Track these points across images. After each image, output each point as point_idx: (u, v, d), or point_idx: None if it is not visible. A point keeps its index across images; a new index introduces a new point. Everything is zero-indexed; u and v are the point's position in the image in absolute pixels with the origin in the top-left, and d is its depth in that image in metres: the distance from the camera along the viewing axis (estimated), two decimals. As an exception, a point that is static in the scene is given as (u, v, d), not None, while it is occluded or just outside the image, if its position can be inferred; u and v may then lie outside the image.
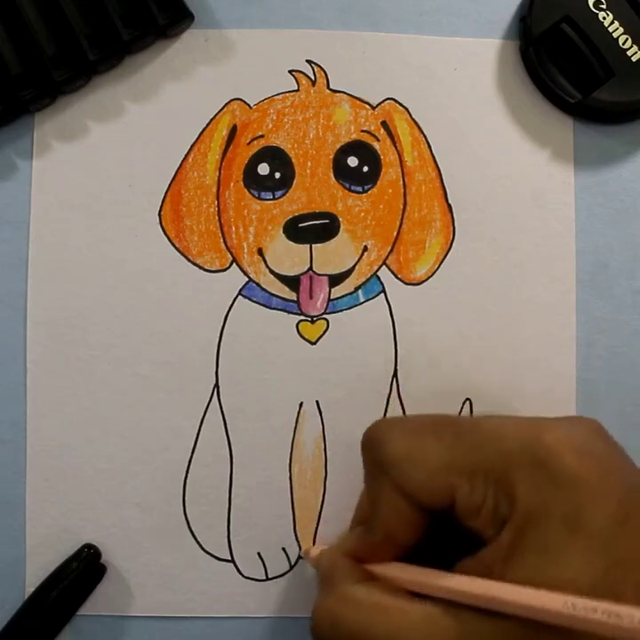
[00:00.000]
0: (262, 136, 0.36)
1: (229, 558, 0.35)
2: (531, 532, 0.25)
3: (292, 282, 0.36)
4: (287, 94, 0.36)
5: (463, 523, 0.27)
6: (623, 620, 0.22)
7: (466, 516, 0.27)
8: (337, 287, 0.36)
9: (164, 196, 0.36)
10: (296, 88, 0.36)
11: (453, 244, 0.36)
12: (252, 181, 0.36)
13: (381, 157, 0.36)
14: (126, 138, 0.36)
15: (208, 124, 0.36)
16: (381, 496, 0.28)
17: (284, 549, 0.35)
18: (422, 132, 0.36)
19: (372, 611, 0.27)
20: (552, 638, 0.24)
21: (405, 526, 0.28)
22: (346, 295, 0.36)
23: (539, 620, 0.24)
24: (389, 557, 0.29)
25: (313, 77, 0.36)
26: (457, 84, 0.37)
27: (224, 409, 0.35)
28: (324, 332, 0.36)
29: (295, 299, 0.36)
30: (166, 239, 0.36)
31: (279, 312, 0.36)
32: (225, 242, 0.36)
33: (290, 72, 0.36)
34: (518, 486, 0.25)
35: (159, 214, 0.36)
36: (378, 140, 0.36)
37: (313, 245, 0.36)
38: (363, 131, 0.36)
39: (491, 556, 0.26)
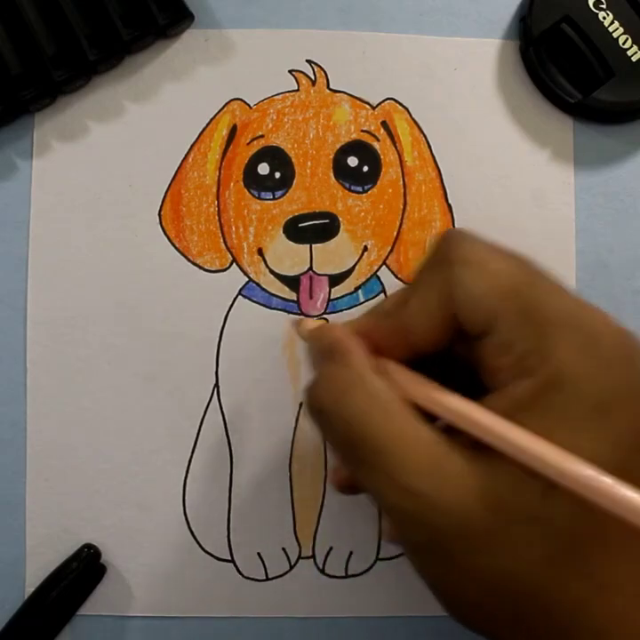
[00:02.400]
0: (262, 136, 0.36)
1: (229, 558, 0.35)
2: (555, 397, 0.24)
3: (292, 282, 0.36)
4: (287, 94, 0.36)
5: (484, 359, 0.25)
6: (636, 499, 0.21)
7: (493, 350, 0.25)
8: (337, 287, 0.36)
9: (164, 196, 0.36)
10: (296, 88, 0.36)
11: (453, 244, 0.36)
12: (252, 181, 0.36)
13: (381, 157, 0.36)
14: (126, 138, 0.36)
15: (208, 124, 0.36)
16: (422, 291, 0.27)
17: (284, 549, 0.35)
18: (422, 131, 0.36)
19: (382, 409, 0.25)
20: (553, 501, 0.23)
21: (428, 328, 0.26)
22: (346, 295, 0.36)
23: (550, 478, 0.23)
24: (396, 354, 0.27)
25: (313, 77, 0.36)
26: (457, 84, 0.37)
27: (224, 409, 0.35)
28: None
29: (295, 299, 0.36)
30: (166, 239, 0.36)
31: (279, 312, 0.36)
32: (225, 242, 0.36)
33: (290, 72, 0.36)
34: (560, 347, 0.24)
35: (159, 214, 0.36)
36: (378, 139, 0.36)
37: (313, 245, 0.36)
38: (363, 131, 0.36)
39: (501, 402, 0.24)
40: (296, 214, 0.36)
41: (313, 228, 0.36)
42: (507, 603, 0.24)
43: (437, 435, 0.25)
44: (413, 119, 0.37)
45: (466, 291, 0.26)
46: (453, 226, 0.36)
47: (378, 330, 0.28)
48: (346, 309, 0.36)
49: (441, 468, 0.24)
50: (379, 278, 0.36)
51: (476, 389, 0.26)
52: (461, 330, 0.26)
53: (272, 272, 0.36)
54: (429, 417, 0.26)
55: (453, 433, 0.25)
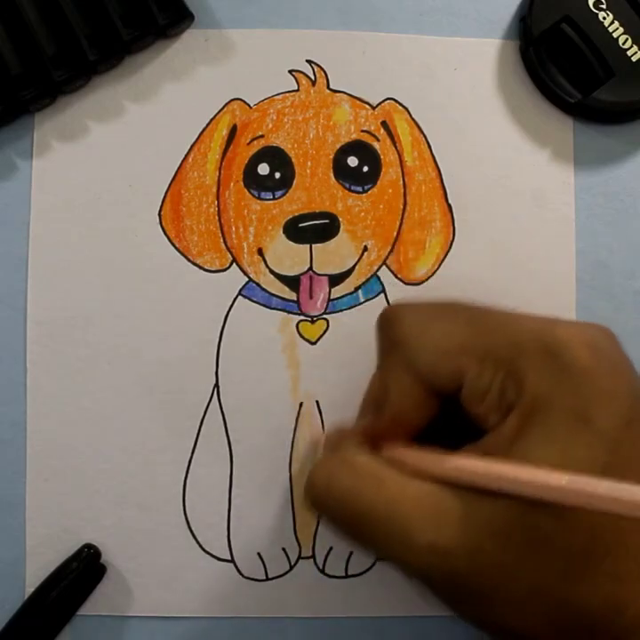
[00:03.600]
0: (262, 136, 0.36)
1: (229, 558, 0.35)
2: (536, 421, 0.24)
3: (292, 282, 0.36)
4: (287, 94, 0.36)
5: (469, 409, 0.27)
6: (627, 493, 0.22)
7: (472, 400, 0.26)
8: (337, 287, 0.36)
9: (164, 196, 0.36)
10: (296, 88, 0.36)
11: (453, 244, 0.36)
12: (252, 181, 0.36)
13: (381, 157, 0.36)
14: (126, 138, 0.36)
15: (208, 124, 0.36)
16: (392, 375, 0.28)
17: (284, 549, 0.35)
18: (422, 132, 0.36)
19: (368, 478, 0.27)
20: (551, 519, 0.24)
21: (414, 407, 0.28)
22: (346, 295, 0.36)
23: (539, 498, 0.23)
24: (401, 437, 0.28)
25: (313, 77, 0.36)
26: (457, 84, 0.37)
27: (224, 409, 0.35)
28: (324, 332, 0.36)
29: (295, 299, 0.36)
30: (166, 239, 0.36)
31: (279, 312, 0.36)
32: (225, 242, 0.36)
33: (290, 72, 0.36)
34: (527, 374, 0.25)
35: (159, 214, 0.36)
36: (378, 139, 0.36)
37: (313, 245, 0.36)
38: (363, 131, 0.36)
39: (493, 442, 0.25)
40: (296, 214, 0.36)
41: (313, 228, 0.36)
42: (542, 618, 0.25)
43: (432, 486, 0.26)
44: (413, 119, 0.37)
45: (422, 364, 0.27)
46: (453, 226, 0.36)
47: (374, 426, 0.29)
48: (346, 309, 0.36)
49: (443, 516, 0.25)
50: (379, 278, 0.36)
51: (476, 428, 0.27)
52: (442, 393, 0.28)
53: (272, 272, 0.36)
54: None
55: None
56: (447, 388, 0.27)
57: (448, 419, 0.28)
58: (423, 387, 0.28)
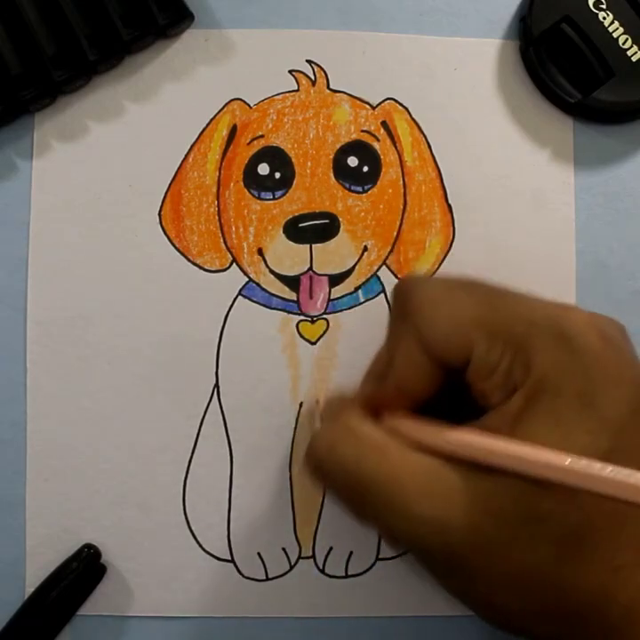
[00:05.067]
0: (262, 136, 0.36)
1: (229, 558, 0.35)
2: (542, 402, 0.25)
3: (292, 282, 0.36)
4: (287, 94, 0.36)
5: (474, 384, 0.27)
6: (629, 478, 0.22)
7: (478, 376, 0.26)
8: (337, 287, 0.36)
9: (164, 196, 0.36)
10: (296, 88, 0.36)
11: (453, 244, 0.36)
12: (252, 181, 0.36)
13: (381, 157, 0.36)
14: (126, 138, 0.36)
15: (208, 124, 0.36)
16: (400, 344, 0.28)
17: (284, 549, 0.35)
18: (422, 132, 0.36)
19: (371, 448, 0.27)
20: (550, 500, 0.24)
21: (418, 377, 0.28)
22: (346, 295, 0.36)
23: (540, 477, 0.24)
24: (402, 408, 0.28)
25: (313, 77, 0.36)
26: (457, 83, 0.37)
27: (224, 409, 0.35)
28: (324, 332, 0.36)
29: (295, 299, 0.36)
30: (166, 239, 0.36)
31: (279, 312, 0.36)
32: (225, 242, 0.36)
33: (290, 72, 0.36)
34: (537, 354, 0.25)
35: (159, 214, 0.36)
36: (378, 140, 0.36)
37: (313, 245, 0.36)
38: (363, 131, 0.36)
39: (496, 420, 0.26)
40: (296, 214, 0.36)
41: (313, 228, 0.36)
42: (532, 599, 0.25)
43: (432, 460, 0.26)
44: (413, 119, 0.37)
45: (433, 335, 0.27)
46: (453, 226, 0.36)
47: (377, 395, 0.29)
48: (346, 309, 0.36)
49: (440, 490, 0.25)
50: (379, 278, 0.36)
51: (477, 407, 0.27)
52: (448, 367, 0.27)
53: (272, 272, 0.36)
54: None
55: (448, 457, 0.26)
56: (454, 360, 0.27)
57: (449, 397, 0.28)
58: (430, 357, 0.27)
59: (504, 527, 0.24)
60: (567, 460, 0.23)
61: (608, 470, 0.23)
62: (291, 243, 0.36)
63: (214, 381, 0.35)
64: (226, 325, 0.36)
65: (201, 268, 0.36)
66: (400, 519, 0.26)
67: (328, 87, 0.36)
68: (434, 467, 0.26)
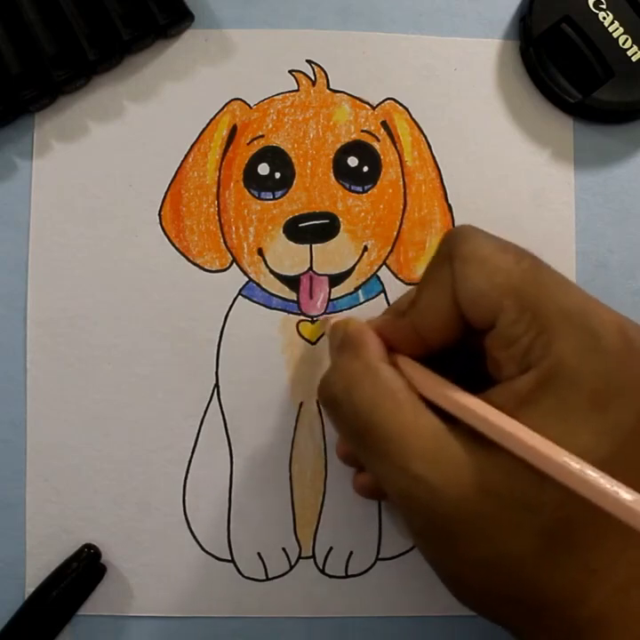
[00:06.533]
0: (262, 136, 0.36)
1: (229, 558, 0.35)
2: (553, 389, 0.24)
3: (292, 282, 0.36)
4: (287, 94, 0.36)
5: (490, 351, 0.26)
6: (618, 493, 0.22)
7: (498, 343, 0.26)
8: (337, 287, 0.36)
9: (164, 196, 0.36)
10: (296, 88, 0.36)
11: (453, 244, 0.36)
12: (252, 181, 0.36)
13: (381, 157, 0.36)
14: (126, 138, 0.36)
15: (208, 124, 0.36)
16: (430, 286, 0.28)
17: (284, 549, 0.35)
18: (422, 132, 0.36)
19: (388, 395, 0.27)
20: (538, 490, 0.24)
21: (438, 324, 0.28)
22: (346, 295, 0.36)
23: (534, 466, 0.24)
24: (410, 351, 0.28)
25: (313, 77, 0.36)
26: (457, 83, 0.37)
27: (224, 409, 0.35)
28: (324, 333, 0.36)
29: (295, 299, 0.36)
30: (166, 239, 0.36)
31: (279, 312, 0.36)
32: (225, 242, 0.36)
33: (290, 72, 0.36)
34: (560, 340, 0.25)
35: (159, 214, 0.36)
36: (378, 139, 0.36)
37: (313, 245, 0.36)
38: (363, 131, 0.36)
39: (503, 396, 0.25)
40: (296, 214, 0.36)
41: (313, 228, 0.36)
42: (505, 586, 0.25)
43: (442, 424, 0.26)
44: (413, 119, 0.37)
45: (468, 287, 0.27)
46: (453, 226, 0.36)
47: (392, 328, 0.29)
48: (346, 309, 0.36)
49: (442, 455, 0.25)
50: (379, 278, 0.36)
51: (485, 379, 0.27)
52: (469, 324, 0.27)
53: (272, 272, 0.36)
54: (436, 406, 0.27)
55: (456, 422, 0.26)
56: (478, 320, 0.27)
57: (456, 365, 0.28)
58: (456, 309, 0.27)
59: (491, 506, 0.24)
60: (563, 458, 0.23)
61: (601, 480, 0.22)
62: (291, 243, 0.36)
63: (214, 381, 0.35)
64: (226, 325, 0.36)
65: (201, 267, 0.36)
66: (396, 471, 0.26)
67: (328, 87, 0.36)
68: (441, 432, 0.26)
